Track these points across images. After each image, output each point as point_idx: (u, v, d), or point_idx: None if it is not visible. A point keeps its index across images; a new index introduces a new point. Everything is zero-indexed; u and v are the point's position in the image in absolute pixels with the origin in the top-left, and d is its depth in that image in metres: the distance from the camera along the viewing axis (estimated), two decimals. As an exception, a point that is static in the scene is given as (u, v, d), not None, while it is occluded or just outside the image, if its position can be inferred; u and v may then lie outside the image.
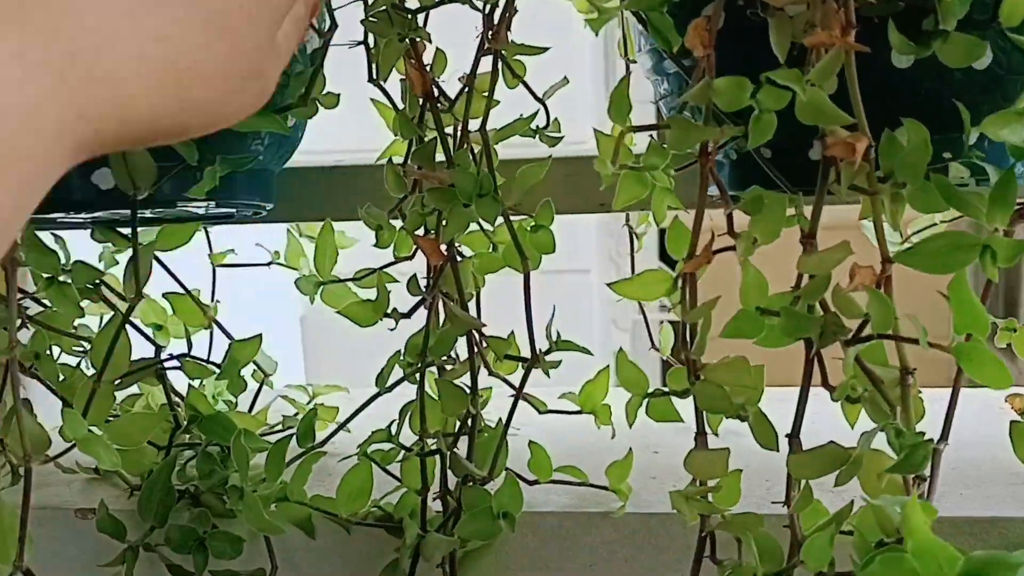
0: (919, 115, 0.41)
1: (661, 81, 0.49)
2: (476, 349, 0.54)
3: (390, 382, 0.55)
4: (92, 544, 0.60)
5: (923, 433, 0.40)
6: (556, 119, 0.52)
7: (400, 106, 0.54)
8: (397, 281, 0.59)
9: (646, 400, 0.46)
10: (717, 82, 0.39)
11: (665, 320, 0.75)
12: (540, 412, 0.54)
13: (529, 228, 0.54)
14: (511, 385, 0.53)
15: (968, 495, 0.53)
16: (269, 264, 0.73)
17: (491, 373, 0.56)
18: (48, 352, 0.60)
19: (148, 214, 0.61)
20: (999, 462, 0.56)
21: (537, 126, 0.51)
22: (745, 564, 0.45)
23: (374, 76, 0.53)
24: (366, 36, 0.54)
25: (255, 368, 0.69)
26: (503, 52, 0.47)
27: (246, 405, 0.69)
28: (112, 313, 0.58)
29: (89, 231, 0.63)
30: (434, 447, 0.54)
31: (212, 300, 0.73)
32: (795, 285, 0.42)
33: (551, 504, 0.57)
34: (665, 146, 0.42)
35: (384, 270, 0.59)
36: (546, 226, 0.54)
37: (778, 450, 0.43)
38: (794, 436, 0.43)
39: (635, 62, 0.54)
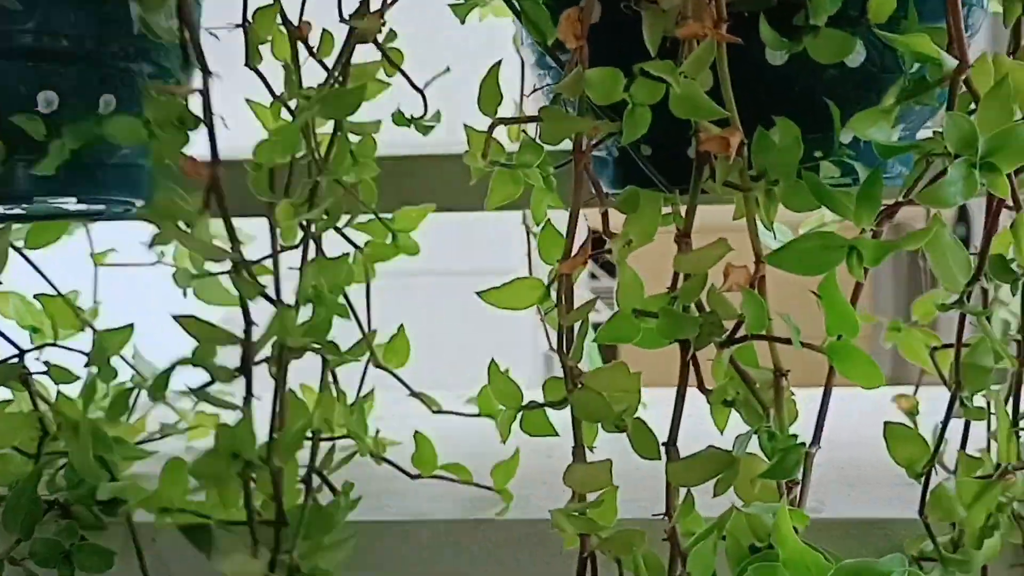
0: (794, 113, 0.41)
1: (544, 76, 0.48)
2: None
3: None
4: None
5: (796, 436, 0.39)
6: (438, 110, 0.51)
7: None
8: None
9: (520, 413, 0.44)
10: (589, 73, 0.38)
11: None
12: (433, 411, 0.52)
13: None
14: (404, 383, 0.51)
15: (853, 496, 0.53)
16: (155, 263, 0.70)
17: (378, 366, 0.55)
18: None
19: (17, 211, 0.58)
20: (884, 464, 0.56)
21: (412, 115, 0.49)
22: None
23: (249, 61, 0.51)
24: (244, 17, 0.51)
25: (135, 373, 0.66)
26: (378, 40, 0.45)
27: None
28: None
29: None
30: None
31: (94, 301, 0.71)
32: (671, 286, 0.41)
33: (438, 512, 0.55)
34: (538, 141, 0.41)
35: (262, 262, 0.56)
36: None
37: (659, 459, 0.42)
38: (671, 443, 0.42)
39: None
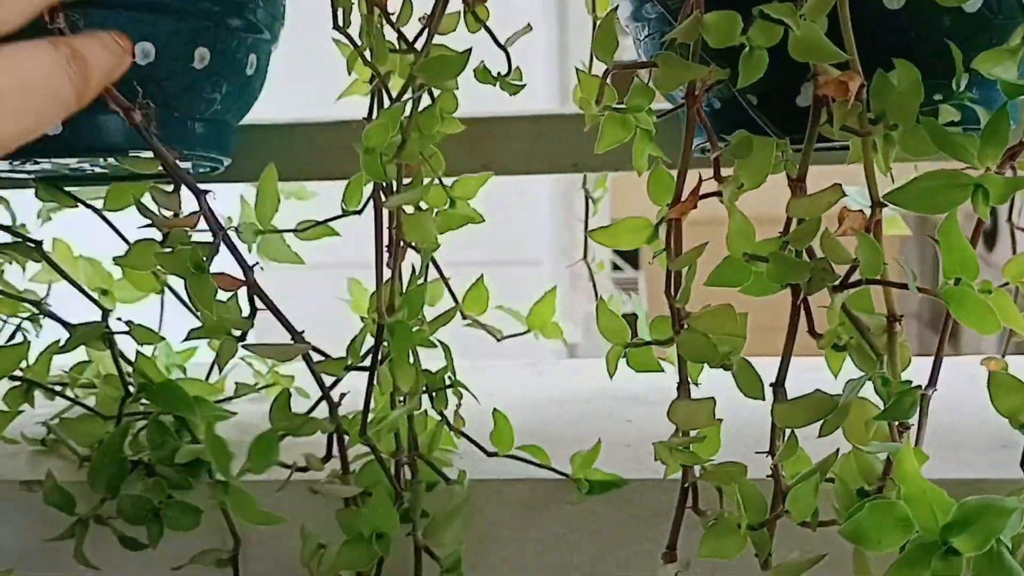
0: (912, 57, 0.40)
1: (643, 27, 0.48)
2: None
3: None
4: (40, 517, 0.58)
5: (910, 381, 0.39)
6: (518, 68, 0.50)
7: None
8: (338, 235, 0.56)
9: (626, 350, 0.44)
10: (707, 17, 0.38)
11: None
12: (498, 339, 0.53)
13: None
14: (465, 314, 0.53)
15: (947, 458, 0.53)
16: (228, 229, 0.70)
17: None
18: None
19: (98, 169, 0.58)
20: (978, 427, 0.56)
21: (499, 72, 0.49)
22: (728, 515, 0.44)
23: (339, 23, 0.51)
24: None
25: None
26: None
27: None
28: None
29: (33, 191, 0.60)
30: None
31: (164, 267, 0.71)
32: (783, 231, 0.40)
33: (521, 472, 0.55)
34: (651, 85, 0.41)
35: (329, 223, 0.56)
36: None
37: (764, 399, 0.42)
38: (779, 385, 0.42)
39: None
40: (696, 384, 0.44)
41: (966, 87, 0.41)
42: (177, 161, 0.56)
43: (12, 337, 0.60)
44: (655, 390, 0.62)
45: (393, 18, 0.49)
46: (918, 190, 0.37)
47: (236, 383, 0.68)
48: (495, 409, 0.55)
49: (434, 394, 0.53)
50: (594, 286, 0.72)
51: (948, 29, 0.41)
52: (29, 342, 0.60)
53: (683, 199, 0.41)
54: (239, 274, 0.46)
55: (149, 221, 0.47)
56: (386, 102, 0.50)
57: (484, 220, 0.57)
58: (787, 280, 0.40)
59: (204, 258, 0.45)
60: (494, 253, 0.55)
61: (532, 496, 0.55)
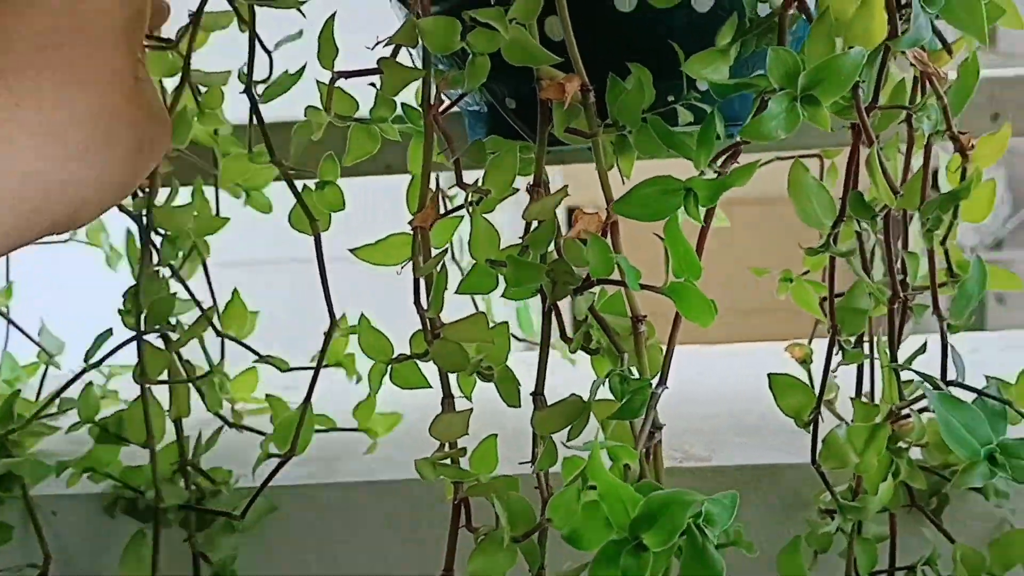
0: (647, 60, 0.40)
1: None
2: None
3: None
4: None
5: (647, 380, 0.39)
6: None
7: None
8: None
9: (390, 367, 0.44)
10: (423, 22, 0.37)
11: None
12: (282, 371, 0.53)
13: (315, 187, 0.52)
14: (253, 351, 0.52)
15: (744, 445, 0.53)
16: (66, 242, 0.70)
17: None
18: None
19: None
20: (777, 414, 0.56)
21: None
22: (500, 528, 0.43)
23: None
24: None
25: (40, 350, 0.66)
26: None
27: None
28: None
29: None
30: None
31: (7, 281, 0.70)
32: (523, 235, 0.40)
33: (309, 477, 0.55)
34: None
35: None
36: (332, 182, 0.52)
37: (520, 406, 0.42)
38: (538, 393, 0.42)
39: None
40: (468, 397, 0.44)
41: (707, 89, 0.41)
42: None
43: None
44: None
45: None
46: (638, 197, 0.37)
47: (60, 398, 0.67)
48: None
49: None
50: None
51: (684, 29, 0.41)
52: None
53: (426, 208, 0.41)
54: None
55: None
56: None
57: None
58: (527, 283, 0.40)
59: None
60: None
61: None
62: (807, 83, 0.35)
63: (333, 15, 0.39)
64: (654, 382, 0.38)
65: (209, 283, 0.56)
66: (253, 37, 0.43)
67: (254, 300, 0.59)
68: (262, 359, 0.60)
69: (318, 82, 0.41)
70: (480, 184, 0.41)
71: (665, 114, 0.41)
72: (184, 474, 0.55)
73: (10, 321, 0.65)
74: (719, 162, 0.37)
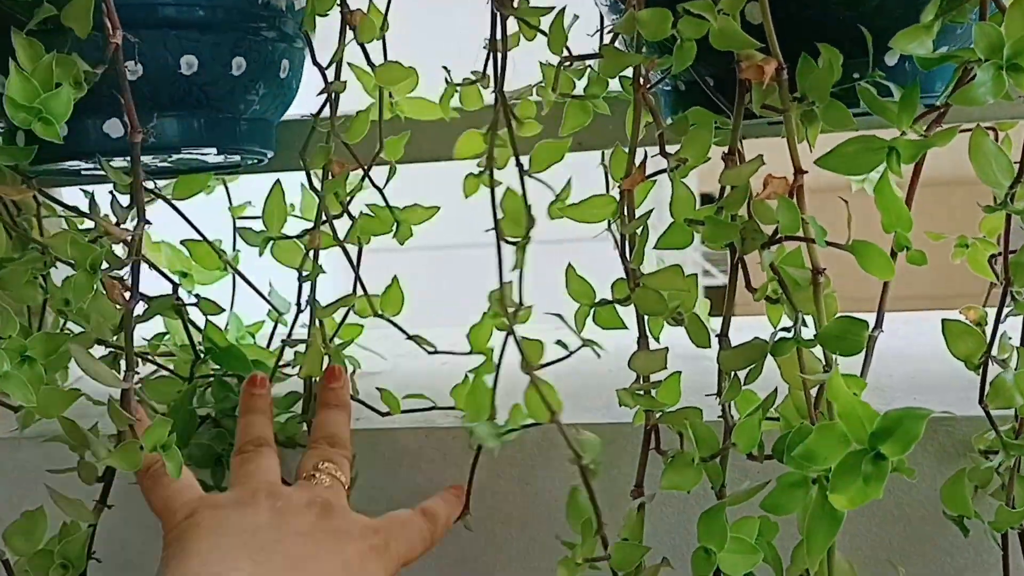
0: (838, 42, 0.45)
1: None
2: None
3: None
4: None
5: (864, 321, 0.44)
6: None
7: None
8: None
9: (593, 309, 0.51)
10: (641, 13, 0.44)
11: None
12: (429, 352, 0.61)
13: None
14: (402, 330, 0.60)
15: (921, 399, 0.58)
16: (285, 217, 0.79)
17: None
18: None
19: (164, 165, 0.67)
20: (955, 372, 0.60)
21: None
22: (686, 452, 0.50)
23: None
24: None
25: (270, 308, 0.75)
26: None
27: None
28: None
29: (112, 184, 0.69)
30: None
31: (233, 250, 0.80)
32: (718, 197, 0.46)
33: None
34: (601, 75, 0.47)
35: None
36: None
37: (709, 346, 0.48)
38: (723, 334, 0.48)
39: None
40: (656, 339, 0.50)
41: (898, 63, 0.45)
42: (226, 156, 0.65)
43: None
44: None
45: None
46: (841, 155, 0.42)
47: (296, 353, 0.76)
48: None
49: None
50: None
51: (877, 8, 0.46)
52: (69, 334, 0.69)
53: (633, 172, 0.47)
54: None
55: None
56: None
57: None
58: (723, 240, 0.46)
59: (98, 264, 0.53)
60: (561, 230, 0.60)
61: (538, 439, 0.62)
62: (1011, 53, 0.40)
63: (563, 9, 0.46)
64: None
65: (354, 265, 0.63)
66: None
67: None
68: (410, 338, 0.67)
69: (542, 64, 0.48)
70: (679, 153, 0.47)
71: (846, 91, 0.46)
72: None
73: (246, 281, 0.74)
74: (924, 126, 0.42)
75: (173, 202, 0.70)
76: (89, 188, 0.72)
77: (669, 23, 0.44)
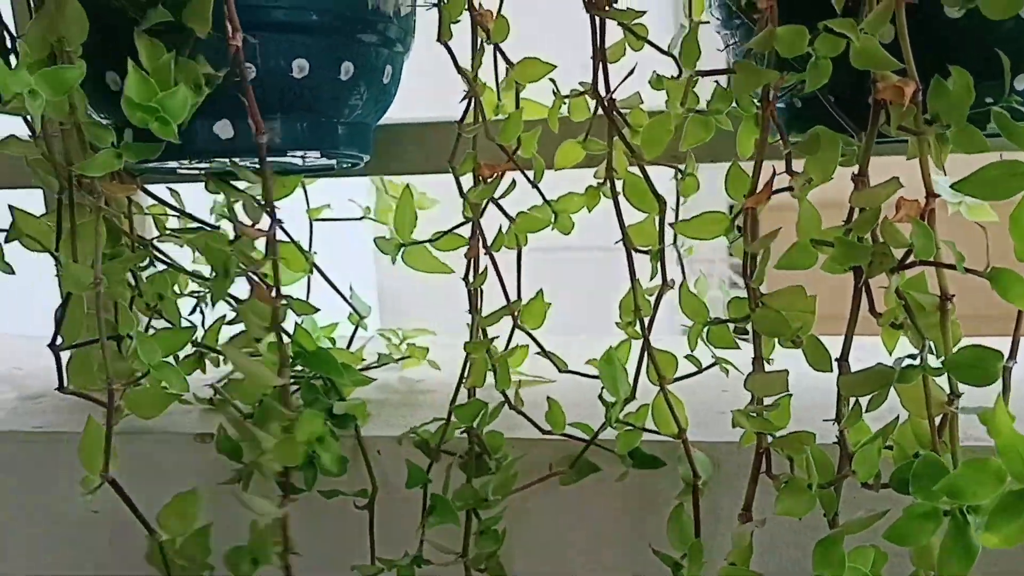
0: (967, 63, 0.45)
1: (731, 35, 0.53)
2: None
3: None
4: (209, 464, 0.68)
5: (999, 351, 0.43)
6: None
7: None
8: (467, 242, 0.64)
9: (706, 328, 0.50)
10: (780, 30, 0.43)
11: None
12: (560, 371, 0.61)
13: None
14: (538, 343, 0.60)
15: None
16: (361, 219, 0.79)
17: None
18: (172, 293, 0.67)
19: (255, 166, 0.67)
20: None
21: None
22: (798, 477, 0.49)
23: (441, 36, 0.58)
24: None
25: (351, 311, 0.75)
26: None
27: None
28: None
29: (203, 183, 0.69)
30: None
31: (310, 250, 0.80)
32: (846, 219, 0.45)
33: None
34: (728, 90, 0.47)
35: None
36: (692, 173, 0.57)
37: (831, 371, 0.47)
38: (843, 359, 0.47)
39: (704, 22, 0.58)
40: (768, 360, 0.50)
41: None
42: (322, 159, 0.65)
43: (193, 311, 0.69)
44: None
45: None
46: (982, 179, 0.42)
47: (379, 354, 0.76)
48: (548, 396, 0.62)
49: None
50: (682, 269, 0.77)
51: (1009, 33, 0.45)
52: (195, 326, 0.69)
53: (758, 190, 0.46)
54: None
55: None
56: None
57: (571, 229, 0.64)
58: (851, 263, 0.45)
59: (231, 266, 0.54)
60: (597, 238, 0.60)
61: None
62: None
63: (698, 24, 0.45)
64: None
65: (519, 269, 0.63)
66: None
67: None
68: (545, 354, 0.67)
69: (663, 78, 0.48)
70: (805, 172, 0.46)
71: (979, 115, 0.45)
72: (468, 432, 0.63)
73: (330, 283, 0.74)
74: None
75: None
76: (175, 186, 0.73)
77: (806, 41, 0.43)
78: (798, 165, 0.47)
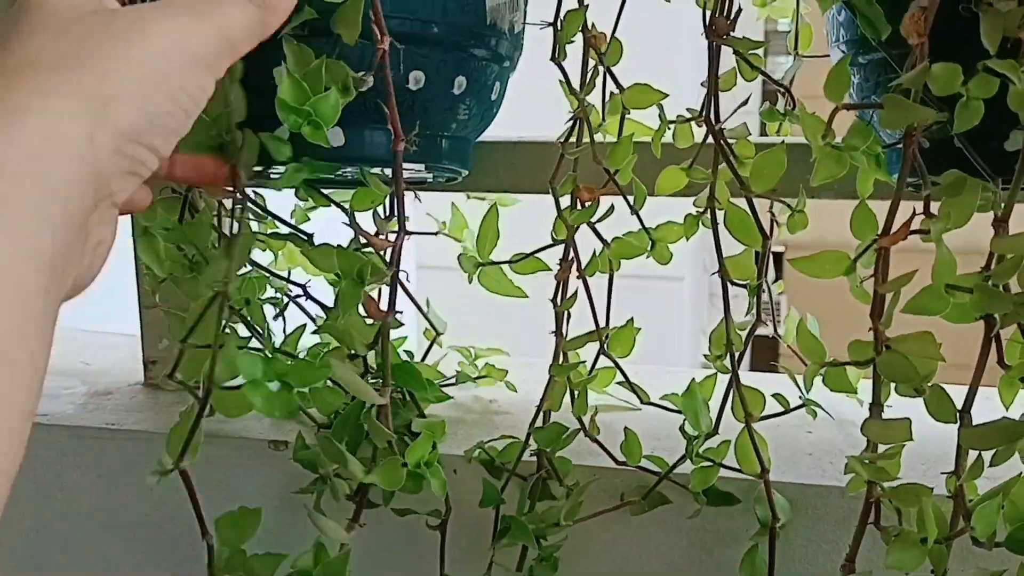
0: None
1: (856, 72, 0.52)
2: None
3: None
4: (283, 473, 0.67)
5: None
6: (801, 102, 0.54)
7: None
8: (549, 268, 0.63)
9: (823, 369, 0.49)
10: (935, 67, 0.42)
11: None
12: (643, 402, 0.59)
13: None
14: (623, 372, 0.59)
15: None
16: (436, 233, 0.78)
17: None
18: (258, 298, 0.67)
19: (349, 176, 0.67)
20: None
21: (785, 109, 0.54)
22: (909, 530, 0.47)
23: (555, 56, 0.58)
24: (556, 17, 0.58)
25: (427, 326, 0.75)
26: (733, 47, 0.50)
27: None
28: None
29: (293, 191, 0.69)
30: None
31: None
32: (985, 266, 0.44)
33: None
34: (874, 125, 0.45)
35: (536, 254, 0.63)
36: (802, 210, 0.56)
37: (955, 422, 0.46)
38: (966, 411, 0.46)
39: (824, 55, 0.57)
40: (881, 406, 0.48)
41: None
42: (421, 172, 0.64)
43: (277, 316, 0.69)
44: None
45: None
46: None
47: (456, 372, 0.75)
48: (626, 427, 0.61)
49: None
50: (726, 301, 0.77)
51: None
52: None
53: (894, 231, 0.45)
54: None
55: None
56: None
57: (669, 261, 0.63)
58: (988, 311, 0.44)
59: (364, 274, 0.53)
60: (634, 267, 0.60)
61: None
62: None
63: (848, 56, 0.44)
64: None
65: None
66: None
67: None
68: (628, 384, 0.66)
69: (804, 112, 0.47)
70: (944, 215, 0.45)
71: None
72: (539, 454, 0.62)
73: (409, 296, 0.74)
74: None
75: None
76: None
77: (960, 80, 0.42)
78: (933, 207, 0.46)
